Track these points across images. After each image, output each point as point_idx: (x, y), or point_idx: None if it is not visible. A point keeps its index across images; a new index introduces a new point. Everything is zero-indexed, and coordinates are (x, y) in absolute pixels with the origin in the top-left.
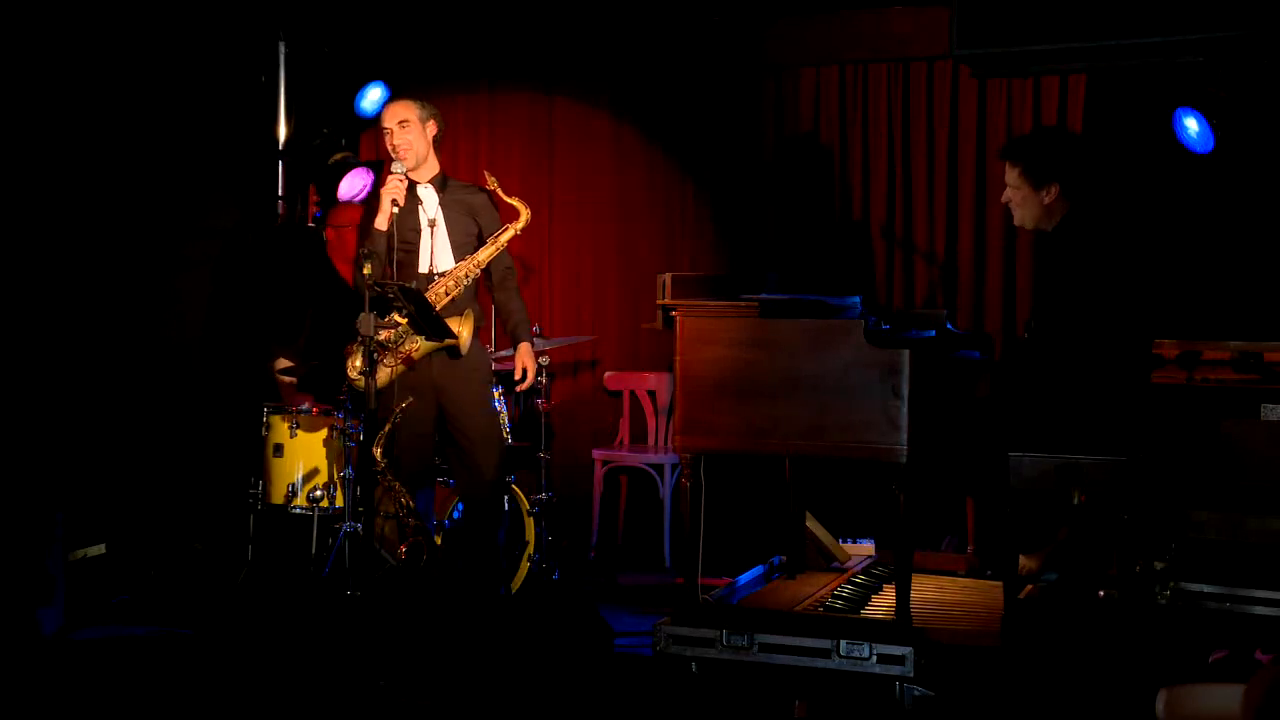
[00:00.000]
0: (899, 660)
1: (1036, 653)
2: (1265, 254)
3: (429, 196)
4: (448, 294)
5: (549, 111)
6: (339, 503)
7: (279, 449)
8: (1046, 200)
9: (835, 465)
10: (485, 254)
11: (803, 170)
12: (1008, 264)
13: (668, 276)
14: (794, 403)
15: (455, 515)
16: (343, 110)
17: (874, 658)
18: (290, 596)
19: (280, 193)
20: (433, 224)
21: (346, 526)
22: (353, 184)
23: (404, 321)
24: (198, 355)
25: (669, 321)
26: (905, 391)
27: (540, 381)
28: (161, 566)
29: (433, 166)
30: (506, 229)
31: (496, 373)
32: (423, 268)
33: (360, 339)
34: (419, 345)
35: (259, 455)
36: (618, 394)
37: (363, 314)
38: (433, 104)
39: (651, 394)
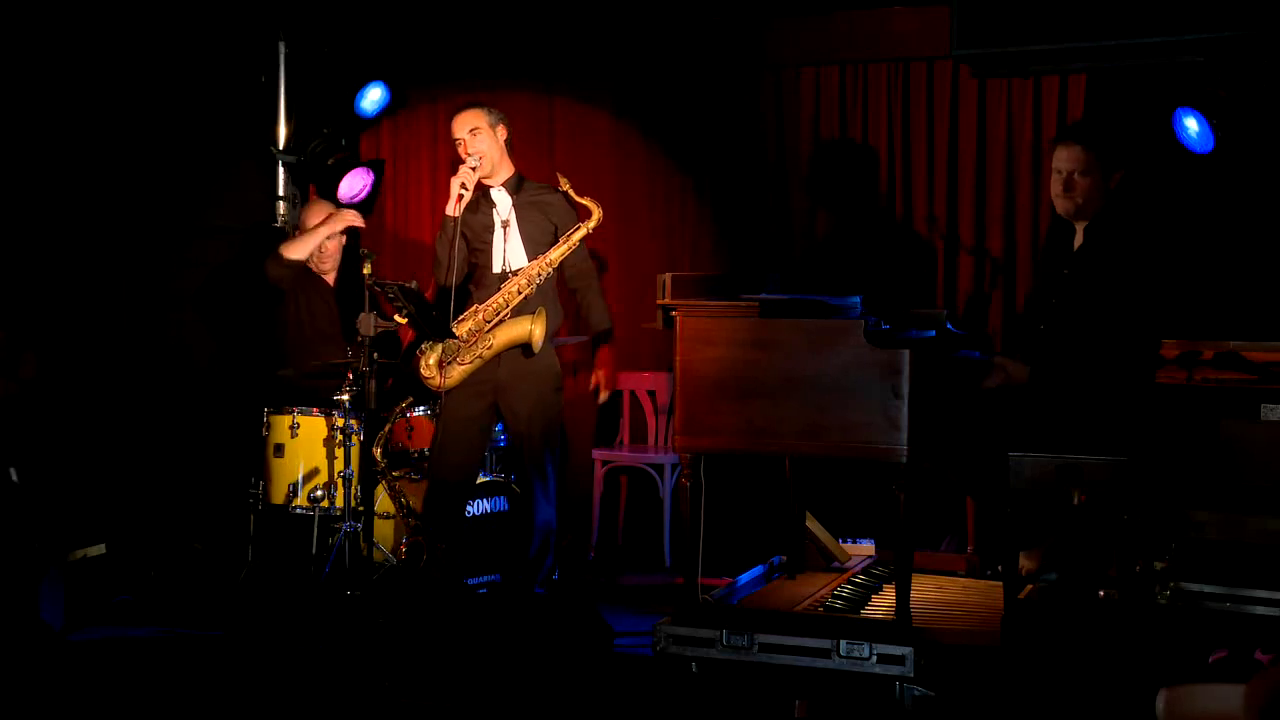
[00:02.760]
0: (899, 660)
1: (1036, 653)
2: (1266, 254)
3: (502, 199)
4: (519, 292)
5: (549, 111)
6: (339, 503)
7: (279, 449)
8: (1111, 186)
9: (835, 465)
10: (556, 252)
11: (803, 170)
12: (1008, 263)
13: (668, 276)
14: (794, 403)
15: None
16: (343, 110)
17: (874, 658)
18: (290, 596)
19: (280, 193)
20: (506, 225)
21: (347, 526)
22: (353, 184)
23: (404, 321)
24: (198, 355)
25: (669, 321)
26: (905, 391)
27: None
28: (161, 566)
29: (507, 170)
30: (578, 227)
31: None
32: (496, 267)
33: (360, 339)
34: (492, 344)
35: (259, 455)
36: (618, 394)
37: (362, 314)
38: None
39: (651, 394)
